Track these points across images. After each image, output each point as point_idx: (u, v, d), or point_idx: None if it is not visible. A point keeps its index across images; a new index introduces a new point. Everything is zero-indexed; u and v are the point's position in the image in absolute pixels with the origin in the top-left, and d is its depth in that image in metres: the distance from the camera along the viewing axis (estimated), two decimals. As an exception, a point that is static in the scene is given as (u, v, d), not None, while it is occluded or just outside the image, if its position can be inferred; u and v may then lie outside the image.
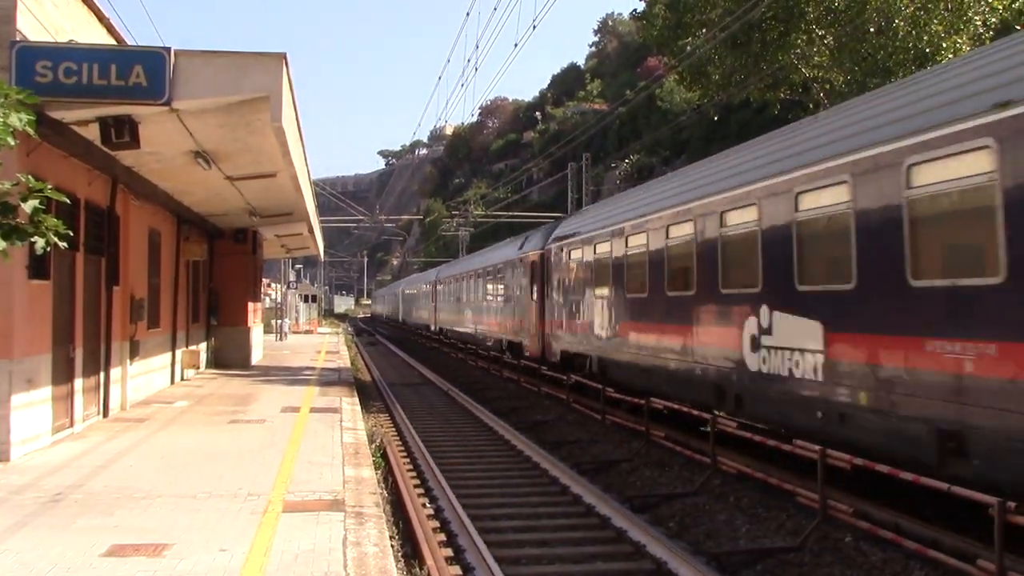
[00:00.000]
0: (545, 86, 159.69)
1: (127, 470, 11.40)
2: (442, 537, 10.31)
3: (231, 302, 29.76)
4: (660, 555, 9.46)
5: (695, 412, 14.31)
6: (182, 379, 23.88)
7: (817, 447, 10.34)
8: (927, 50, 22.19)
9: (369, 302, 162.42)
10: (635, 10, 31.17)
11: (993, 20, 22.59)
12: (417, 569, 8.80)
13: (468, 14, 41.72)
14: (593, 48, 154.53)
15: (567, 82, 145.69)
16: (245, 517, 8.91)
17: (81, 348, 14.91)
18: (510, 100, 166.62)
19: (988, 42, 22.00)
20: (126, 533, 8.26)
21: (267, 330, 47.27)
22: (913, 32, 22.48)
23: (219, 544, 7.91)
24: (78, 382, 14.81)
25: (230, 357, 29.32)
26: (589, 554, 9.92)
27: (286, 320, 56.40)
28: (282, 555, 7.61)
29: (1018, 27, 22.29)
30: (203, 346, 27.75)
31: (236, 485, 10.47)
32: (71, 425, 14.50)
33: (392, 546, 8.46)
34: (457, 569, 9.16)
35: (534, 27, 24.73)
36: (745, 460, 12.97)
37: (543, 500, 12.60)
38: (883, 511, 9.98)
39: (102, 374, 16.26)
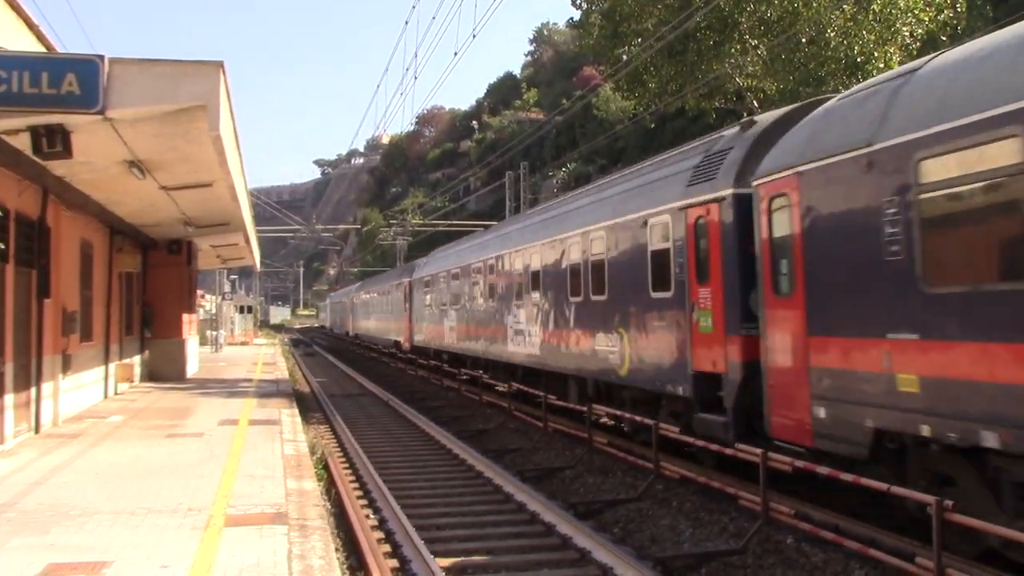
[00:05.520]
0: (481, 95, 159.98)
1: (62, 487, 11.13)
2: (387, 548, 10.23)
3: (165, 314, 29.26)
4: (605, 561, 9.50)
5: None
6: (116, 393, 23.41)
7: (758, 450, 10.47)
8: (858, 59, 22.71)
9: (309, 312, 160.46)
10: (571, 19, 31.35)
11: (920, 32, 23.21)
12: (363, 581, 8.72)
13: (407, 23, 41.76)
14: (529, 57, 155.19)
15: (503, 91, 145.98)
16: (186, 532, 8.75)
17: (11, 362, 14.52)
18: (446, 109, 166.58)
19: (916, 52, 22.62)
20: (63, 551, 8.06)
21: (202, 342, 46.54)
22: (844, 42, 23.00)
23: (160, 560, 7.76)
24: (8, 397, 14.42)
25: (165, 370, 28.80)
26: (535, 561, 9.91)
27: (221, 332, 55.62)
28: (226, 570, 7.49)
29: (944, 38, 22.92)
30: (137, 359, 27.24)
31: (175, 500, 10.28)
32: (1, 442, 14.11)
33: (337, 558, 8.38)
34: (403, 580, 9.11)
35: (474, 36, 24.74)
36: (687, 465, 13.11)
37: (487, 508, 12.56)
38: (824, 512, 10.16)
39: (33, 389, 15.85)
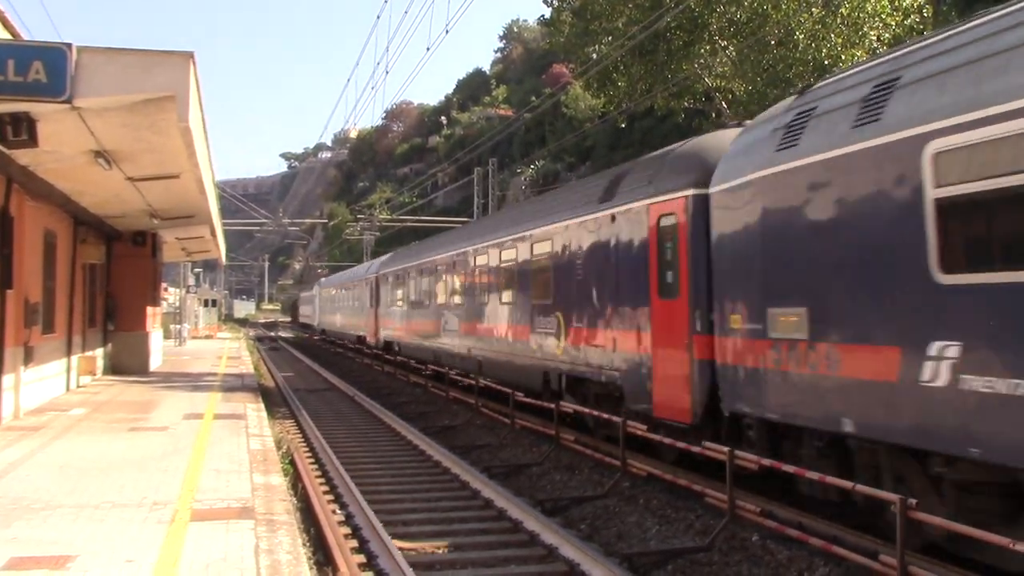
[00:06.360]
0: (450, 91, 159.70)
1: (23, 480, 10.98)
2: (354, 543, 10.21)
3: (129, 306, 28.94)
4: (573, 557, 9.54)
5: None
6: (78, 386, 23.12)
7: (725, 448, 10.56)
8: (826, 62, 22.89)
9: (274, 306, 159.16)
10: (542, 16, 31.45)
11: (887, 36, 23.44)
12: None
13: (379, 17, 41.45)
14: (498, 54, 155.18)
15: (472, 87, 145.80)
16: (151, 527, 8.67)
17: (-28, 354, 14.32)
18: (415, 104, 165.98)
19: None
20: (26, 545, 7.96)
21: (166, 335, 46.09)
22: (812, 45, 23.17)
23: (125, 555, 7.68)
24: (-31, 389, 14.21)
25: (128, 363, 28.49)
26: (502, 558, 9.95)
27: (185, 325, 55.11)
28: (192, 565, 7.43)
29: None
30: (100, 352, 26.91)
31: (140, 494, 10.18)
32: (-39, 434, 13.90)
33: (305, 553, 8.34)
34: (371, 574, 9.09)
35: (447, 31, 24.67)
36: (654, 462, 13.19)
37: (454, 504, 12.58)
38: (788, 510, 10.26)
39: (-6, 381, 15.64)
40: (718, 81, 26.94)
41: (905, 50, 9.10)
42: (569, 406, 15.98)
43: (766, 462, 10.00)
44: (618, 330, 14.46)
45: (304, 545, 8.74)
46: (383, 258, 41.85)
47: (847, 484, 8.70)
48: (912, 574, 7.65)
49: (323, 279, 73.48)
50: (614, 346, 14.54)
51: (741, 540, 9.84)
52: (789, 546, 9.32)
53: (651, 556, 9.80)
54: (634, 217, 14.13)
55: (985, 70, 7.48)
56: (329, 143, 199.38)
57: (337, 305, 55.76)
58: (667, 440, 12.45)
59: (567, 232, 16.91)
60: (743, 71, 25.20)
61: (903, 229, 8.12)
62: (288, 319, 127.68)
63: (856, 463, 9.34)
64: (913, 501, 7.69)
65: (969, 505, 7.89)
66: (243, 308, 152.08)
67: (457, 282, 25.30)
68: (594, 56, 27.99)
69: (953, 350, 7.52)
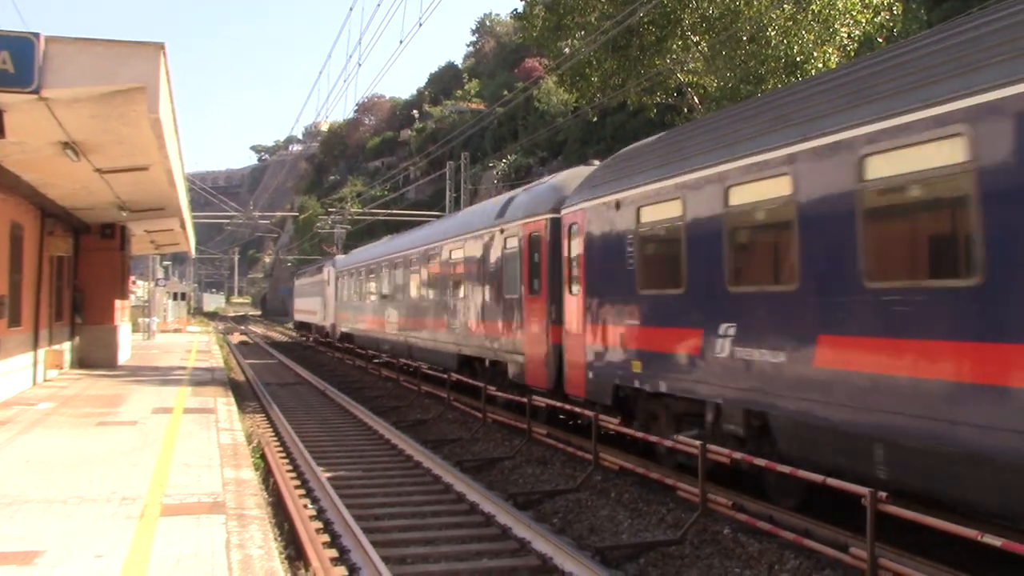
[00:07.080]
0: (423, 84, 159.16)
1: (-10, 475, 10.86)
2: (326, 538, 10.17)
3: (97, 299, 28.66)
4: (545, 551, 9.55)
5: None
6: (45, 380, 22.87)
7: (697, 443, 10.61)
8: (798, 59, 23.03)
9: (244, 299, 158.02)
10: (515, 10, 31.26)
11: (857, 33, 23.63)
12: (303, 570, 8.66)
13: (351, 9, 41.07)
14: (471, 48, 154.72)
15: (444, 81, 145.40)
16: (121, 522, 8.60)
17: (-63, 347, 14.13)
18: (387, 97, 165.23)
19: (853, 53, 23.03)
20: (-8, 541, 7.87)
21: (134, 329, 45.67)
22: (784, 41, 23.30)
23: (95, 550, 7.61)
24: (-66, 383, 14.02)
25: (96, 357, 28.22)
26: (475, 551, 9.93)
27: (154, 319, 54.63)
28: (162, 560, 7.37)
29: (880, 40, 23.36)
30: (67, 345, 26.64)
31: (109, 489, 10.09)
32: (-74, 428, 13.71)
33: (276, 548, 8.29)
34: (343, 569, 9.05)
35: (420, 24, 24.52)
36: (626, 456, 13.23)
37: (426, 499, 12.54)
38: (759, 504, 10.33)
39: (-40, 375, 15.44)
40: (690, 77, 27.06)
41: None
42: (541, 401, 15.97)
43: (738, 456, 10.06)
44: None
45: (276, 540, 8.69)
46: (554, 179, 18.95)
47: (817, 478, 8.77)
48: (882, 566, 7.73)
49: (339, 256, 48.73)
50: None
51: (713, 533, 9.90)
52: (760, 539, 9.38)
53: (623, 549, 9.83)
54: None
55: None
56: (300, 136, 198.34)
57: (384, 295, 32.18)
58: (639, 434, 12.50)
59: None
60: (715, 67, 25.32)
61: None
62: (258, 312, 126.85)
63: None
64: (883, 494, 7.76)
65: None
66: (213, 301, 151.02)
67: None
68: (567, 51, 28.00)
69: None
